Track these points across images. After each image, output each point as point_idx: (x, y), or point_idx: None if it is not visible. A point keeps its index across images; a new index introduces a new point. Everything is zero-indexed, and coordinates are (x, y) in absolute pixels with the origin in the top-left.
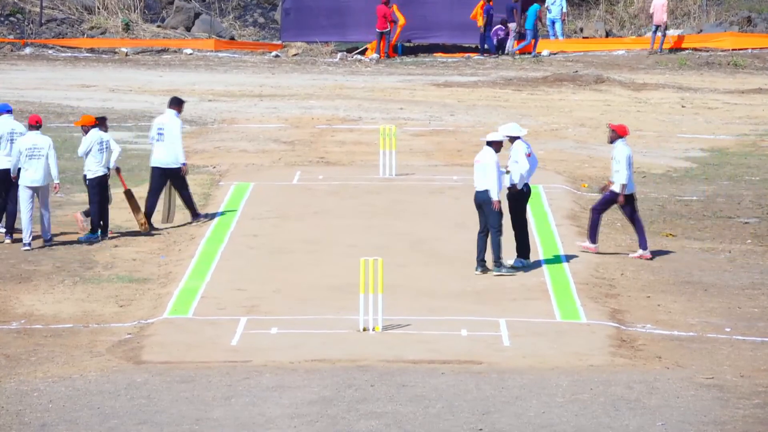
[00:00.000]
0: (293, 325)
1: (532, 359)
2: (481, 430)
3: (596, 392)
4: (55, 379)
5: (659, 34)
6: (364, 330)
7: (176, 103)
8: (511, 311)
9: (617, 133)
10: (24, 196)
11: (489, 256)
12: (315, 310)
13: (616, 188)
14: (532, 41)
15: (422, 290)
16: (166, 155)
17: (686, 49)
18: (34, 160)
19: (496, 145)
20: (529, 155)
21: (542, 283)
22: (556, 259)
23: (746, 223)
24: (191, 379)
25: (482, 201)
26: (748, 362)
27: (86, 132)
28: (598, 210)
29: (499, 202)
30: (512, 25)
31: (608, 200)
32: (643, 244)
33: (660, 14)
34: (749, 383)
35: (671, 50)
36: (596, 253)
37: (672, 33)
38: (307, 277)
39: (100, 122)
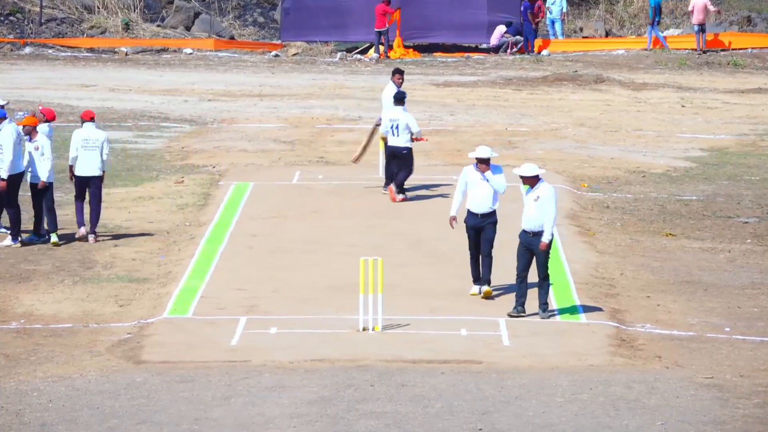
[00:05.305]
0: (293, 325)
1: (531, 359)
2: (480, 429)
3: (596, 392)
4: (54, 378)
5: (699, 32)
6: (364, 330)
7: (396, 73)
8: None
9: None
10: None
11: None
12: (314, 309)
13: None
14: None
15: (422, 290)
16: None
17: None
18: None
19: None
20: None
21: None
22: (556, 259)
23: (746, 222)
24: (191, 379)
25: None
26: (748, 362)
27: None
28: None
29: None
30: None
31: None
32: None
33: (700, 13)
34: (749, 383)
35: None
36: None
37: (671, 33)
38: (307, 276)
39: None
